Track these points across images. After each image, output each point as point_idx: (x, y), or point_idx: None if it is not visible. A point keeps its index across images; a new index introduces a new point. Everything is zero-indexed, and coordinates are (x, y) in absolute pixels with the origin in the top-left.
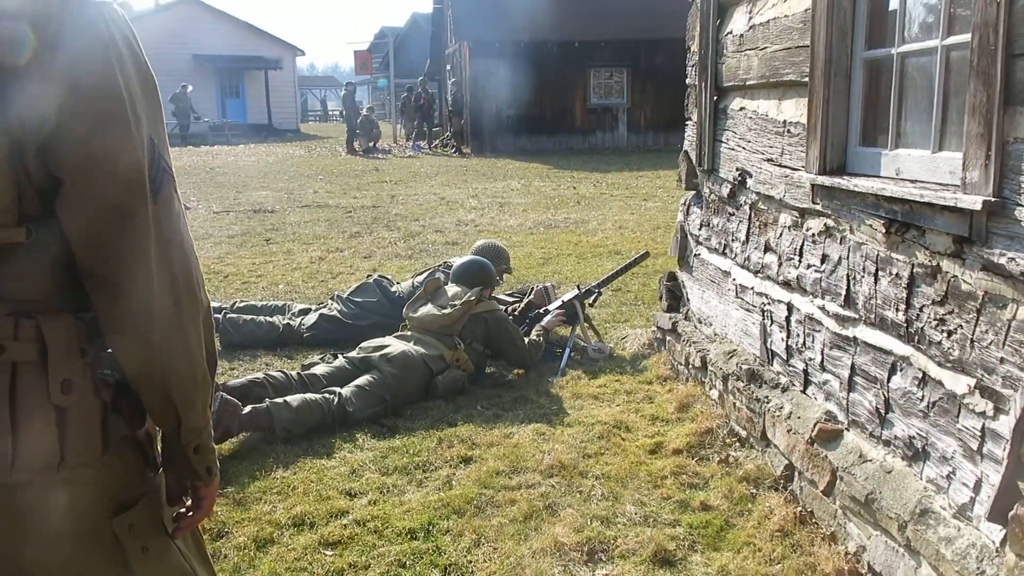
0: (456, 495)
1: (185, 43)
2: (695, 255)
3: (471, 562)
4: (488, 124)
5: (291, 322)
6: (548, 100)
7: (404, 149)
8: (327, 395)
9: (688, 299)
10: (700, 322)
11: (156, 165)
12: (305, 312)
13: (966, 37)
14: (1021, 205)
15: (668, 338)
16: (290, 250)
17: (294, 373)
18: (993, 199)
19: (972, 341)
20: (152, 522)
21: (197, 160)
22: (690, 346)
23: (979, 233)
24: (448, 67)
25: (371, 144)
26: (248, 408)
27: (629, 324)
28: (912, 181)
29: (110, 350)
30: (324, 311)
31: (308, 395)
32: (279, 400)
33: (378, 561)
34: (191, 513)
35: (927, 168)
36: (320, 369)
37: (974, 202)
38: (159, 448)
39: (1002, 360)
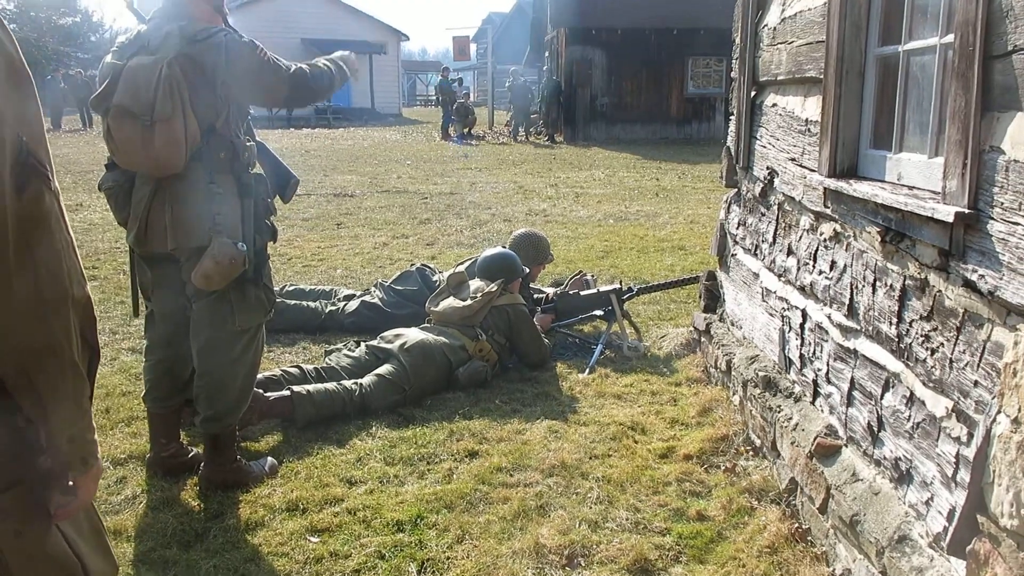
0: (451, 489)
1: (294, 28)
2: (732, 255)
3: (449, 558)
4: (582, 112)
5: (334, 308)
6: (644, 89)
7: (499, 136)
8: (349, 386)
9: (724, 300)
10: (732, 324)
11: (21, 162)
12: (349, 298)
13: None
14: (993, 219)
15: (703, 339)
16: (358, 235)
17: (311, 368)
18: (967, 211)
19: (951, 361)
20: (29, 506)
21: (295, 143)
22: (719, 349)
23: (957, 246)
24: (547, 54)
25: (466, 130)
26: (271, 395)
27: (673, 323)
28: (910, 187)
29: None
30: (366, 298)
31: (329, 385)
32: (301, 390)
33: (359, 551)
34: (68, 500)
35: (924, 174)
36: (338, 360)
37: (948, 213)
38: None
39: (976, 383)
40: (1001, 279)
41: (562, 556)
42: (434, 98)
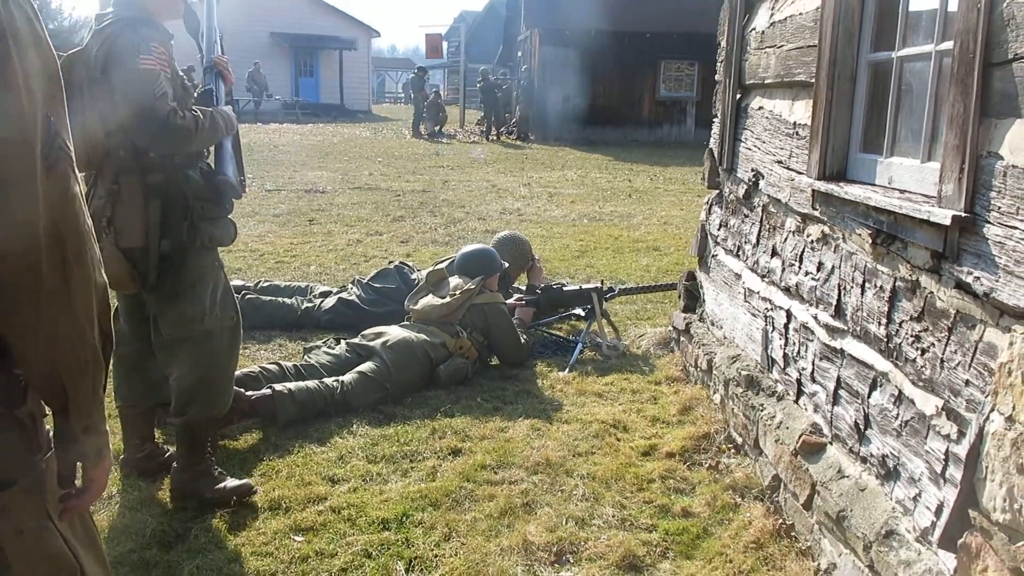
0: (436, 487)
1: (262, 20)
2: (713, 255)
3: (437, 556)
4: (554, 113)
5: (310, 305)
6: (616, 91)
7: (471, 134)
8: (330, 384)
9: (704, 300)
10: (712, 324)
11: (51, 142)
12: (325, 295)
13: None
14: (990, 223)
15: (682, 338)
16: (331, 231)
17: (290, 365)
18: (964, 214)
19: (942, 361)
20: (31, 505)
21: (263, 138)
22: (699, 348)
23: (952, 249)
24: (519, 54)
25: (437, 128)
26: (252, 395)
27: (651, 322)
28: (901, 191)
29: None
30: (343, 295)
31: (311, 383)
32: (283, 388)
33: (345, 550)
34: (80, 495)
35: (916, 178)
36: (317, 357)
37: (944, 216)
38: (47, 429)
39: (967, 382)
40: (997, 281)
41: (550, 553)
42: (403, 95)
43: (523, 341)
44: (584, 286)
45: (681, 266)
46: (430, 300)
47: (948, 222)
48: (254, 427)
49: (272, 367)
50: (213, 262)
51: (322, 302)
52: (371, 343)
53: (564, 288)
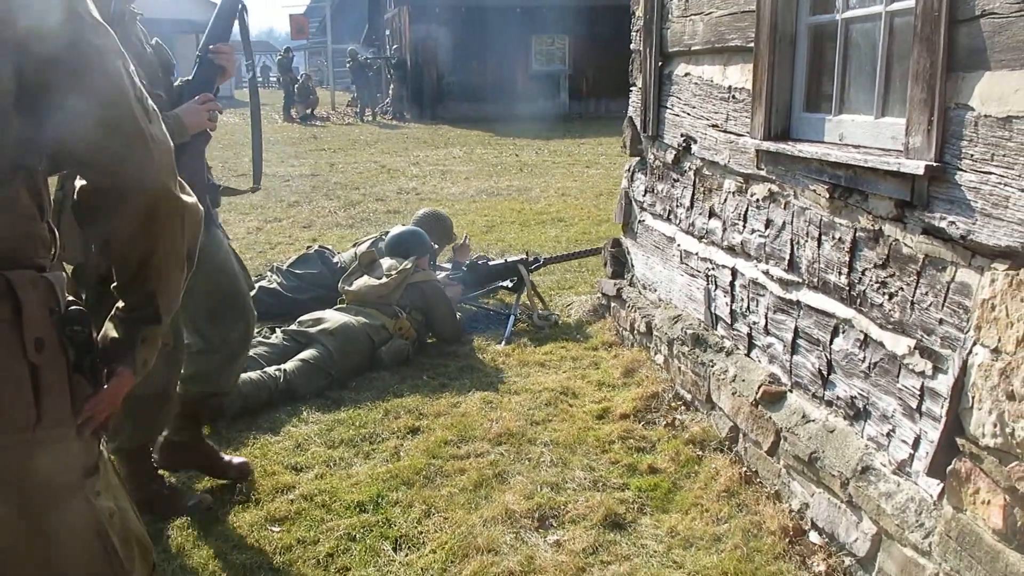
0: (404, 466)
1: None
2: (639, 221)
3: (422, 533)
4: (429, 91)
5: None
6: (490, 66)
7: (344, 116)
8: (272, 373)
9: (633, 265)
10: (645, 288)
11: (143, 95)
12: None
13: (910, 3)
14: (962, 170)
15: (613, 304)
16: (226, 220)
17: None
18: (935, 164)
19: (912, 303)
20: (112, 486)
21: None
22: (635, 312)
23: (920, 197)
24: (388, 32)
25: (308, 111)
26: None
27: (574, 291)
28: (855, 147)
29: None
30: (263, 283)
31: (253, 374)
32: None
33: (327, 535)
34: (103, 391)
35: (870, 134)
36: (255, 349)
37: (917, 167)
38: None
39: (941, 321)
40: (975, 224)
41: (533, 519)
42: (261, 79)
43: (457, 318)
44: (509, 258)
45: (588, 235)
46: (366, 281)
47: (921, 171)
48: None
49: None
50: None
51: None
52: (310, 330)
53: (490, 263)
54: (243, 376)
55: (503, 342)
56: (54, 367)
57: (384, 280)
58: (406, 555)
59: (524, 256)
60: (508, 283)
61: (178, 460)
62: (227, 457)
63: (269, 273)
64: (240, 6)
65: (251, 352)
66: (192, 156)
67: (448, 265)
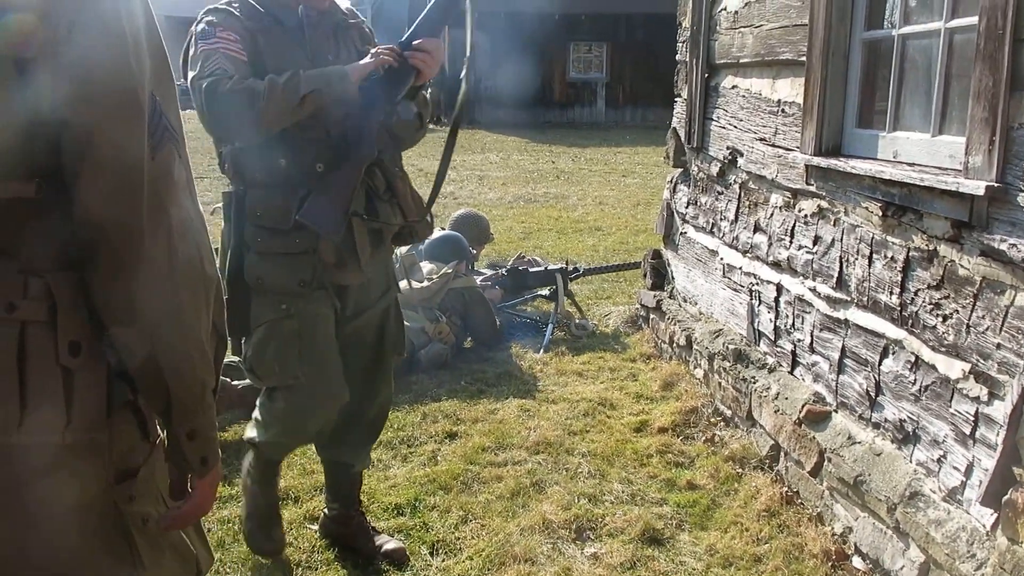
0: (442, 471)
1: (155, 3)
2: (681, 233)
3: (459, 539)
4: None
5: None
6: (527, 73)
7: None
8: None
9: (673, 277)
10: (685, 301)
11: (155, 121)
12: None
13: (971, 20)
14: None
15: (652, 316)
16: None
17: None
18: (996, 184)
19: (968, 326)
20: (152, 494)
21: None
22: (675, 325)
23: (980, 218)
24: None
25: None
26: (238, 384)
27: (611, 301)
28: (910, 165)
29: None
30: None
31: None
32: None
33: None
34: (181, 508)
35: (926, 151)
36: None
37: (976, 187)
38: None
39: (998, 346)
40: None
41: (570, 530)
42: None
43: (497, 323)
44: (550, 266)
45: (625, 244)
46: (406, 285)
47: (981, 192)
48: (243, 418)
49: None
50: (268, 307)
51: None
52: None
53: (529, 271)
54: None
55: (541, 350)
56: (90, 371)
57: (426, 284)
58: (443, 560)
59: (563, 265)
60: (546, 291)
61: (332, 533)
62: (380, 539)
63: None
64: None
65: None
66: (343, 180)
67: (487, 270)
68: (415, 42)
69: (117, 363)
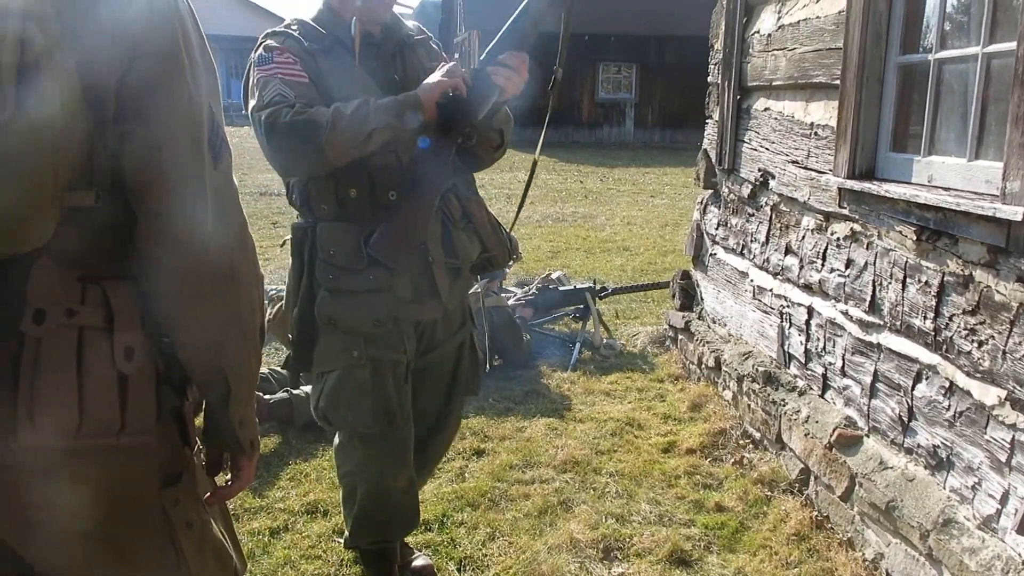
0: (470, 488)
1: (207, 24)
2: (711, 254)
3: (486, 555)
4: None
5: None
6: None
7: None
8: None
9: (702, 298)
10: (714, 322)
11: (215, 132)
12: None
13: (1010, 45)
14: None
15: (680, 337)
16: None
17: None
18: None
19: (1004, 352)
20: (194, 498)
21: None
22: (704, 346)
23: (1017, 244)
24: (456, 56)
25: None
26: (269, 398)
27: (639, 321)
28: (945, 189)
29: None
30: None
31: None
32: (300, 392)
33: None
34: (230, 485)
35: (962, 176)
36: None
37: (1014, 213)
38: (194, 423)
39: None
40: None
41: (598, 550)
42: None
43: (525, 340)
44: (579, 285)
45: (653, 265)
46: None
47: (1019, 218)
48: (272, 431)
49: (283, 370)
50: (340, 352)
51: None
52: None
53: (559, 289)
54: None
55: (569, 369)
56: (142, 376)
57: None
58: None
59: (592, 284)
60: (574, 310)
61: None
62: (408, 555)
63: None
64: None
65: None
66: (414, 207)
67: (515, 289)
68: (499, 56)
69: (165, 369)
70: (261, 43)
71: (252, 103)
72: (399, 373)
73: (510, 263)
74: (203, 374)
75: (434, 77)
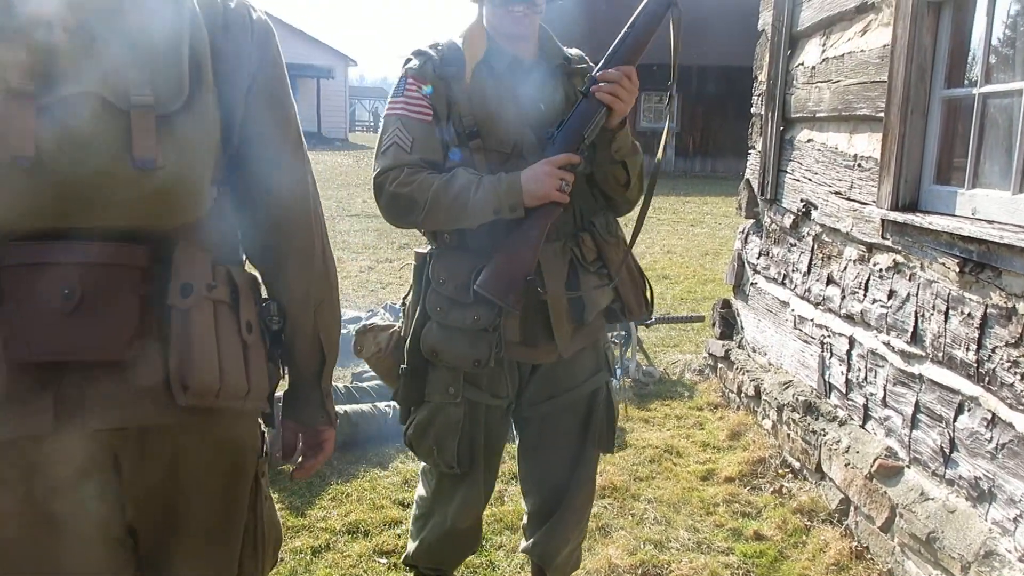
0: (508, 511)
1: None
2: (752, 284)
3: None
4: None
5: (344, 331)
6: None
7: None
8: (383, 408)
9: (743, 327)
10: (754, 351)
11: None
12: (355, 321)
13: None
14: None
15: (720, 365)
16: (340, 259)
17: (340, 385)
18: None
19: None
20: (265, 476)
21: None
22: (744, 374)
23: None
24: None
25: None
26: None
27: (679, 349)
28: (989, 222)
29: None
30: (376, 320)
31: (364, 406)
32: (339, 410)
33: None
34: (316, 457)
35: (1006, 209)
36: (369, 382)
37: None
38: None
39: None
40: None
41: (636, 575)
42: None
43: None
44: None
45: (693, 293)
46: None
47: None
48: None
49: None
50: (436, 391)
51: (352, 328)
52: None
53: None
54: (354, 407)
55: None
56: (258, 349)
57: None
58: None
59: None
60: (616, 336)
61: None
62: None
63: (382, 311)
64: (669, 6)
65: (364, 384)
66: (521, 239)
67: None
68: (602, 73)
69: (270, 347)
70: (405, 61)
71: (378, 137)
72: (493, 418)
73: (647, 320)
74: (304, 341)
75: (544, 175)
